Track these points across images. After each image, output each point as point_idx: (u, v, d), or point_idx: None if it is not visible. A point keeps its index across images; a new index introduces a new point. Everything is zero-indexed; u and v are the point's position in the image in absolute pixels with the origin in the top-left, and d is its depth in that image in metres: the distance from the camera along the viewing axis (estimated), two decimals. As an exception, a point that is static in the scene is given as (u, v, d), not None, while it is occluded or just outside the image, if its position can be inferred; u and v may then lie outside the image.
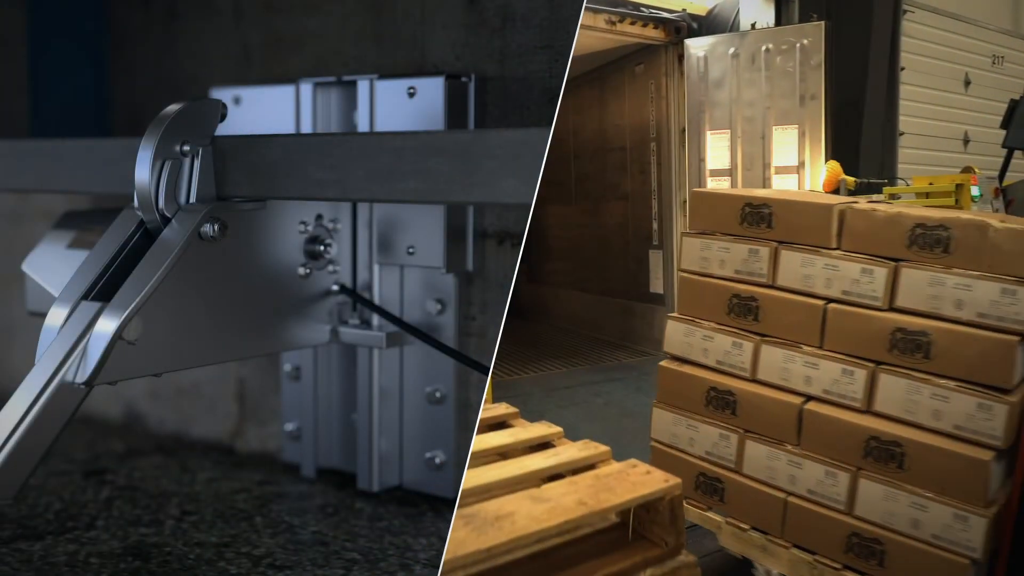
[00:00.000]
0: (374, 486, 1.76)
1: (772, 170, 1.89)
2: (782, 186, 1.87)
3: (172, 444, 2.11)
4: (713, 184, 1.96)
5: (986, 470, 1.37)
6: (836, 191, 1.80)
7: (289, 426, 1.89)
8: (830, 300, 1.58)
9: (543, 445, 1.49)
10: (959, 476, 1.40)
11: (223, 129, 1.48)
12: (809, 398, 1.59)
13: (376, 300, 1.71)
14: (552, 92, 1.64)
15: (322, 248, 1.62)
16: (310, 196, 1.41)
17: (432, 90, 1.66)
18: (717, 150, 1.95)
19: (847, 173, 1.79)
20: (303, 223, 1.60)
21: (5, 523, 1.65)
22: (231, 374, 2.06)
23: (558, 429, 1.53)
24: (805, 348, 1.60)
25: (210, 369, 2.06)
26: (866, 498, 1.50)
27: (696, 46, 1.98)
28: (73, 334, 1.34)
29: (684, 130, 2.03)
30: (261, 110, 1.86)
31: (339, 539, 1.60)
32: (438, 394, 1.72)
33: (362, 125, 1.73)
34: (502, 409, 1.60)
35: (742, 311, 1.69)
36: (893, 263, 1.51)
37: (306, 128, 1.79)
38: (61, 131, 2.15)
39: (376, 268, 1.72)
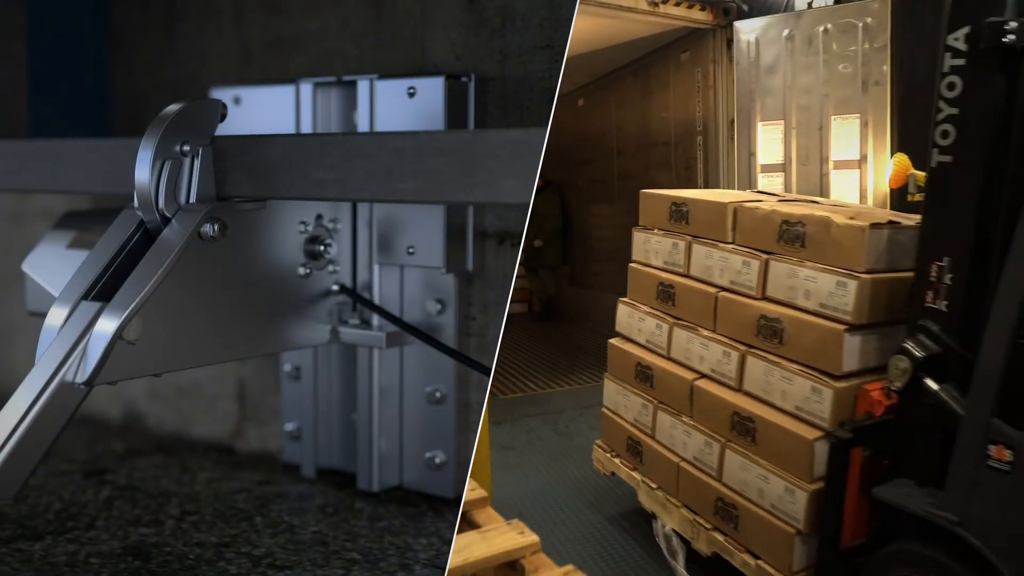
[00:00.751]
0: (374, 486, 1.76)
1: (831, 165, 1.70)
2: (841, 183, 1.70)
3: (172, 444, 2.11)
4: (765, 182, 1.79)
5: (811, 449, 1.47)
6: (905, 187, 1.61)
7: (289, 426, 1.89)
8: (722, 289, 1.72)
9: (509, 566, 1.33)
10: (792, 453, 1.51)
11: (223, 129, 1.48)
12: (701, 375, 1.74)
13: (376, 300, 1.71)
14: (552, 92, 1.64)
15: (322, 248, 1.62)
16: (310, 196, 1.41)
17: (432, 90, 1.66)
18: (769, 143, 1.79)
19: (917, 167, 1.59)
20: (303, 223, 1.60)
21: (5, 523, 1.66)
22: (231, 374, 2.06)
23: (533, 539, 1.38)
24: (702, 331, 1.76)
25: (210, 369, 2.06)
26: (729, 467, 1.63)
27: (747, 29, 1.81)
28: (73, 334, 1.34)
29: (733, 122, 1.85)
30: (261, 110, 1.86)
31: (339, 539, 1.60)
32: (438, 394, 1.72)
33: (362, 125, 1.73)
34: (475, 495, 1.46)
35: (664, 297, 1.87)
36: (765, 256, 1.63)
37: (306, 128, 1.79)
38: (61, 131, 2.15)
39: (376, 268, 1.72)
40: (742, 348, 1.65)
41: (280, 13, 1.97)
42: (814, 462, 1.47)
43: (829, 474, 1.43)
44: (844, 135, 1.70)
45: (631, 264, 1.97)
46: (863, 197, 1.67)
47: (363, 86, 1.72)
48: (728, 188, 1.92)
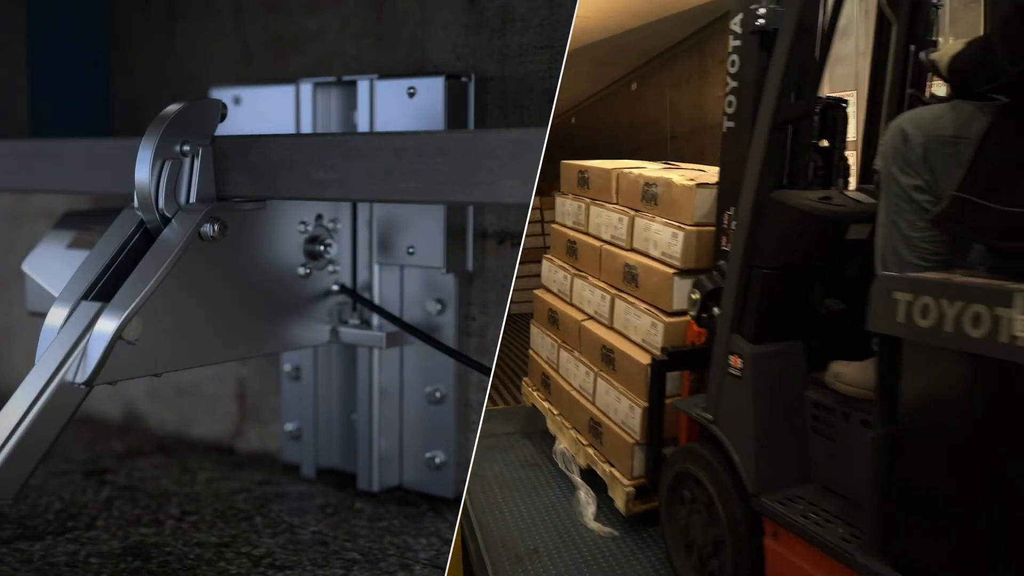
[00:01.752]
0: (374, 486, 1.76)
1: None
2: None
3: (172, 444, 2.11)
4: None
5: (645, 372, 1.78)
6: None
7: (289, 426, 1.89)
8: (605, 242, 2.02)
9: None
10: (634, 376, 1.82)
11: (223, 129, 1.48)
12: (588, 317, 2.05)
13: (376, 300, 1.71)
14: (552, 92, 1.64)
15: (322, 248, 1.62)
16: (310, 196, 1.41)
17: (432, 90, 1.66)
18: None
19: None
20: (303, 223, 1.60)
21: (5, 523, 1.66)
22: (231, 374, 2.06)
23: None
24: (591, 279, 2.07)
25: (210, 369, 2.06)
26: (599, 392, 1.95)
27: None
28: (73, 334, 1.34)
29: None
30: (261, 110, 1.86)
31: (339, 539, 1.60)
32: (438, 394, 1.72)
33: (362, 125, 1.73)
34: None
35: (570, 252, 2.18)
36: (632, 213, 1.92)
37: (306, 128, 1.79)
38: (61, 131, 2.15)
39: (376, 268, 1.72)
40: (613, 292, 1.96)
41: (280, 13, 1.97)
42: (647, 383, 1.75)
43: (650, 392, 1.73)
44: None
45: (552, 225, 2.26)
46: None
47: (363, 86, 1.72)
48: None
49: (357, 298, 1.68)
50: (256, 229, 1.52)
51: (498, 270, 1.72)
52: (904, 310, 1.15)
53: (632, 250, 1.91)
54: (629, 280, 1.91)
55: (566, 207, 2.20)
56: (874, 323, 1.19)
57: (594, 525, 1.73)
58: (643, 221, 1.88)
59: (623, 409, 1.83)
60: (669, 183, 1.80)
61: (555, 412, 2.12)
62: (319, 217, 1.62)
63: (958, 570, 1.12)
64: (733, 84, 1.54)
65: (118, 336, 1.32)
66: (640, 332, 1.84)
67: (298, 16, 1.95)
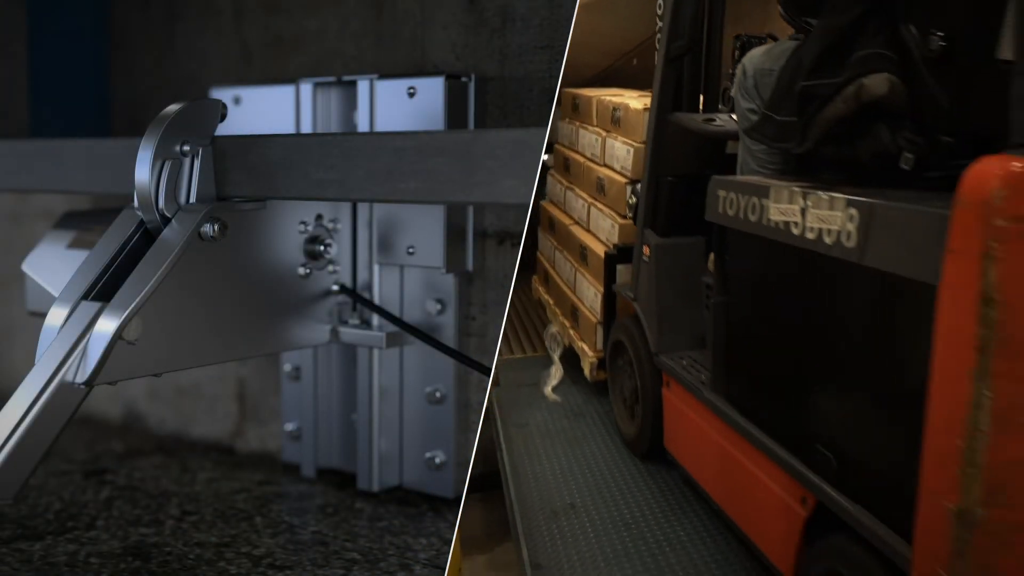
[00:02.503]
0: (374, 486, 1.76)
1: None
2: None
3: (172, 444, 2.11)
4: None
5: (602, 262, 2.11)
6: None
7: (289, 426, 1.89)
8: (587, 159, 2.33)
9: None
10: (597, 267, 2.15)
11: (223, 129, 1.48)
12: (575, 222, 2.36)
13: (376, 300, 1.71)
14: (552, 92, 1.64)
15: (322, 248, 1.62)
16: (310, 196, 1.41)
17: (432, 90, 1.66)
18: None
19: None
20: (303, 223, 1.60)
21: (5, 523, 1.66)
22: (231, 374, 2.06)
23: None
24: (577, 190, 2.37)
25: (210, 369, 2.06)
26: (578, 283, 2.28)
27: None
28: (73, 334, 1.34)
29: None
30: (261, 110, 1.86)
31: (339, 539, 1.60)
32: (438, 394, 1.72)
33: (362, 125, 1.73)
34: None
35: (565, 168, 2.48)
36: (604, 134, 2.21)
37: (306, 128, 1.79)
38: (61, 131, 2.15)
39: (376, 268, 1.72)
40: (590, 200, 2.27)
41: (280, 13, 1.98)
42: (603, 272, 2.11)
43: (604, 279, 2.10)
44: None
45: (556, 145, 2.53)
46: None
47: (363, 86, 1.72)
48: None
49: (357, 298, 1.68)
50: (256, 229, 1.52)
51: (498, 270, 1.71)
52: (721, 203, 1.45)
53: (604, 165, 2.22)
54: (599, 190, 2.23)
55: (563, 130, 2.49)
56: (708, 214, 1.51)
57: (550, 393, 2.13)
58: (610, 140, 2.18)
59: (590, 295, 2.20)
60: (627, 107, 2.09)
61: (551, 302, 2.47)
62: (319, 217, 1.62)
63: (763, 398, 1.40)
64: (659, 25, 1.87)
65: (118, 336, 1.32)
66: (604, 232, 2.19)
67: (298, 16, 1.95)
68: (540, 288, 2.62)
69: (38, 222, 2.34)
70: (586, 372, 2.15)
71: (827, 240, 1.14)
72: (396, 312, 1.72)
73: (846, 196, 1.08)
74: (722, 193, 1.44)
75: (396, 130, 1.68)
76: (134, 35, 2.21)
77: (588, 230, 2.28)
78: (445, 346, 1.65)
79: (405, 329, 1.67)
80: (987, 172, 0.85)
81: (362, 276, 1.71)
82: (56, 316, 1.37)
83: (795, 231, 1.21)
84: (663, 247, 1.83)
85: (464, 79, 1.68)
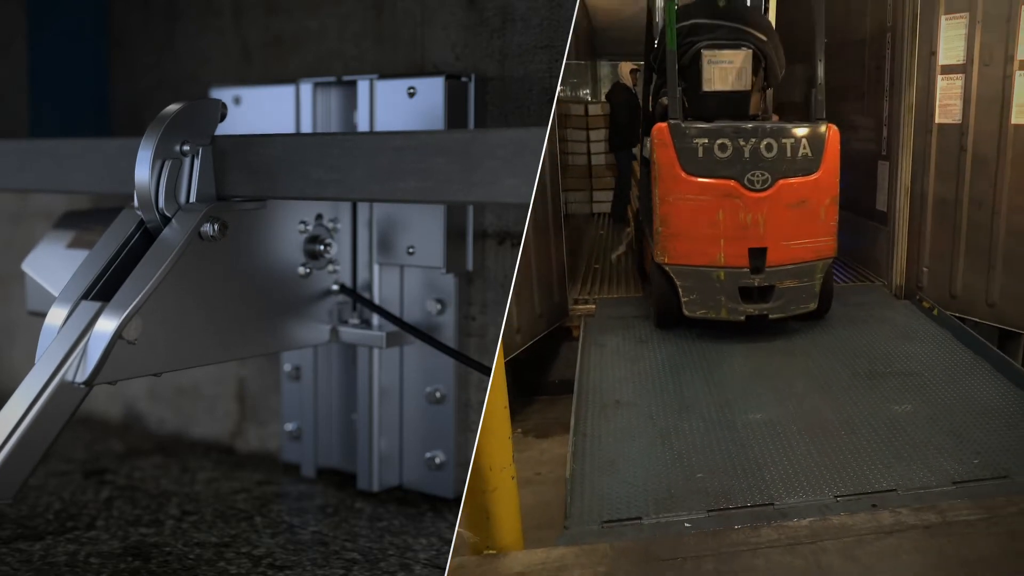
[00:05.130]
0: (374, 486, 1.76)
1: (1015, 65, 1.49)
2: None
3: (172, 444, 2.11)
4: (944, 85, 1.64)
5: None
6: None
7: (289, 426, 1.89)
8: None
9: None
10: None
11: (223, 129, 1.48)
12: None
13: (376, 300, 1.71)
14: (552, 92, 1.64)
15: (322, 248, 1.62)
16: (310, 196, 1.41)
17: (432, 90, 1.66)
18: (951, 40, 1.59)
19: None
20: (303, 223, 1.60)
21: (5, 523, 1.65)
22: (231, 374, 2.06)
23: None
24: None
25: (210, 369, 2.06)
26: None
27: None
28: (73, 334, 1.34)
29: (917, 15, 1.66)
30: (261, 110, 1.86)
31: (339, 539, 1.60)
32: (438, 394, 1.72)
33: (362, 125, 1.73)
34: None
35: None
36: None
37: (306, 128, 1.79)
38: (61, 131, 2.15)
39: (376, 268, 1.72)
40: None
41: (280, 13, 1.97)
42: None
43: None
44: None
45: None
46: None
47: (363, 86, 1.72)
48: (908, 95, 1.72)
49: (357, 298, 1.68)
50: (256, 229, 1.52)
51: (498, 270, 1.71)
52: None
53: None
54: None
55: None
56: None
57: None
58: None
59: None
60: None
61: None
62: (319, 217, 1.62)
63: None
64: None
65: (118, 336, 1.32)
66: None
67: (298, 16, 1.95)
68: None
69: (38, 222, 2.34)
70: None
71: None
72: (396, 312, 1.72)
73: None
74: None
75: (396, 130, 1.68)
76: (134, 35, 2.21)
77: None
78: (445, 346, 1.65)
79: (405, 329, 1.67)
80: (660, 126, 1.65)
81: (362, 276, 1.71)
82: (56, 316, 1.37)
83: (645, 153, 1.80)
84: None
85: (464, 79, 1.68)
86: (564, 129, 2.02)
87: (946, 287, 1.61)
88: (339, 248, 1.65)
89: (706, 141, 1.48)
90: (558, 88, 1.62)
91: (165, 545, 1.57)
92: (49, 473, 1.89)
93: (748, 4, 1.70)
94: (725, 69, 1.56)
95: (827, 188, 1.57)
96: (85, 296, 1.38)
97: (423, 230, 1.67)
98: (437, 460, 1.73)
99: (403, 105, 1.68)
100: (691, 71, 1.55)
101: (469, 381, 1.73)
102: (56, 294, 1.39)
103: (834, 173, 1.56)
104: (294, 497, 1.78)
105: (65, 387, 1.32)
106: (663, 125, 1.52)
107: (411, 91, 1.67)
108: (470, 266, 1.71)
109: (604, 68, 2.17)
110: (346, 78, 1.77)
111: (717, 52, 1.55)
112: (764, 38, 1.56)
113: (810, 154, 1.51)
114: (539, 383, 1.67)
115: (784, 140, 1.49)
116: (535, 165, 1.19)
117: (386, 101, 1.70)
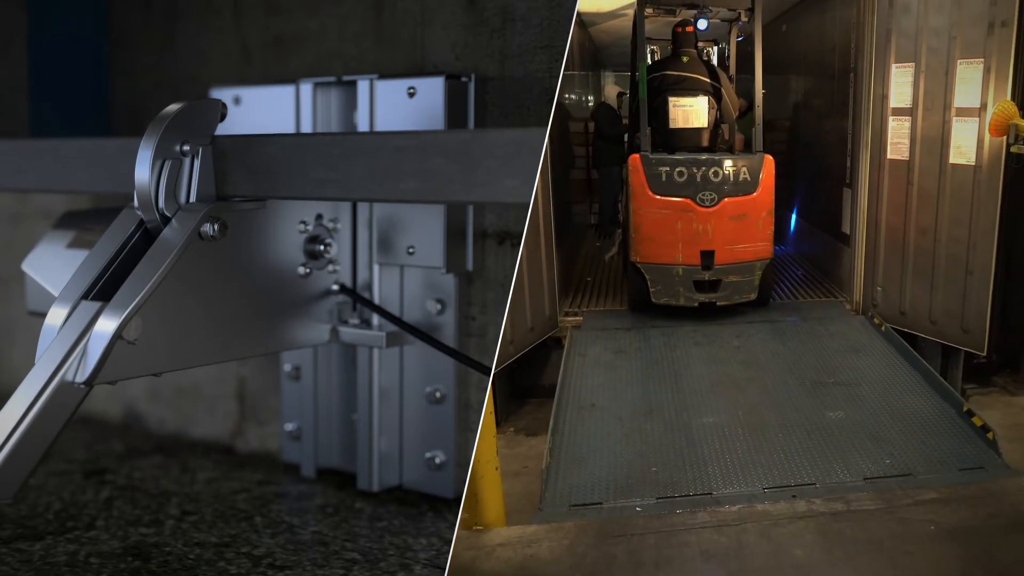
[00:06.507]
0: (374, 486, 1.76)
1: (952, 112, 1.65)
2: (962, 132, 1.67)
3: (172, 444, 2.11)
4: (895, 125, 1.82)
5: None
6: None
7: (289, 426, 1.89)
8: None
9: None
10: None
11: (223, 129, 1.48)
12: None
13: (376, 300, 1.71)
14: (552, 92, 1.64)
15: (322, 248, 1.62)
16: (310, 196, 1.41)
17: (432, 90, 1.66)
18: (900, 85, 1.78)
19: None
20: (303, 223, 1.60)
21: (5, 523, 1.65)
22: (231, 374, 2.06)
23: None
24: None
25: (210, 369, 2.06)
26: None
27: None
28: (73, 334, 1.34)
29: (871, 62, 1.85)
30: (261, 110, 1.86)
31: (339, 539, 1.60)
32: (438, 394, 1.72)
33: (362, 125, 1.73)
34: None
35: None
36: None
37: (306, 128, 1.79)
38: (61, 131, 2.15)
39: (376, 268, 1.72)
40: None
41: (280, 13, 1.97)
42: None
43: None
44: (968, 80, 1.65)
45: None
46: (980, 147, 1.63)
47: (363, 86, 1.72)
48: (866, 131, 1.92)
49: (357, 298, 1.68)
50: (256, 229, 1.52)
51: (498, 270, 1.71)
52: None
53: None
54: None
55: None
56: None
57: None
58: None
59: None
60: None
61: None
62: (319, 217, 1.62)
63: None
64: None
65: (118, 336, 1.32)
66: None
67: (298, 16, 1.95)
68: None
69: (38, 222, 2.34)
70: None
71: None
72: (396, 312, 1.72)
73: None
74: None
75: (396, 130, 1.68)
76: (134, 35, 2.21)
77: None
78: (445, 346, 1.65)
79: (405, 329, 1.67)
80: (634, 156, 1.87)
81: (362, 276, 1.71)
82: (56, 316, 1.37)
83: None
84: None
85: (464, 79, 1.68)
86: (566, 143, 2.20)
87: (897, 305, 1.78)
88: (339, 248, 1.65)
89: (668, 168, 1.86)
90: (558, 89, 1.62)
91: (165, 545, 1.57)
92: (49, 473, 1.89)
93: (708, 59, 2.04)
94: (687, 111, 1.94)
95: (763, 204, 1.90)
96: (85, 296, 1.38)
97: (423, 230, 1.67)
98: (437, 460, 1.73)
99: (403, 105, 1.68)
100: (660, 112, 1.93)
101: (469, 381, 1.73)
102: (56, 294, 1.39)
103: (769, 192, 1.89)
104: (294, 497, 1.78)
105: (65, 387, 1.32)
106: (636, 156, 1.87)
107: (411, 91, 1.67)
108: (470, 266, 1.71)
109: (608, 78, 2.31)
110: (346, 78, 1.77)
111: (680, 98, 1.94)
112: (719, 86, 1.95)
113: (749, 178, 1.88)
114: (531, 387, 1.86)
115: (728, 168, 1.87)
116: (535, 165, 1.19)
117: (386, 101, 1.70)
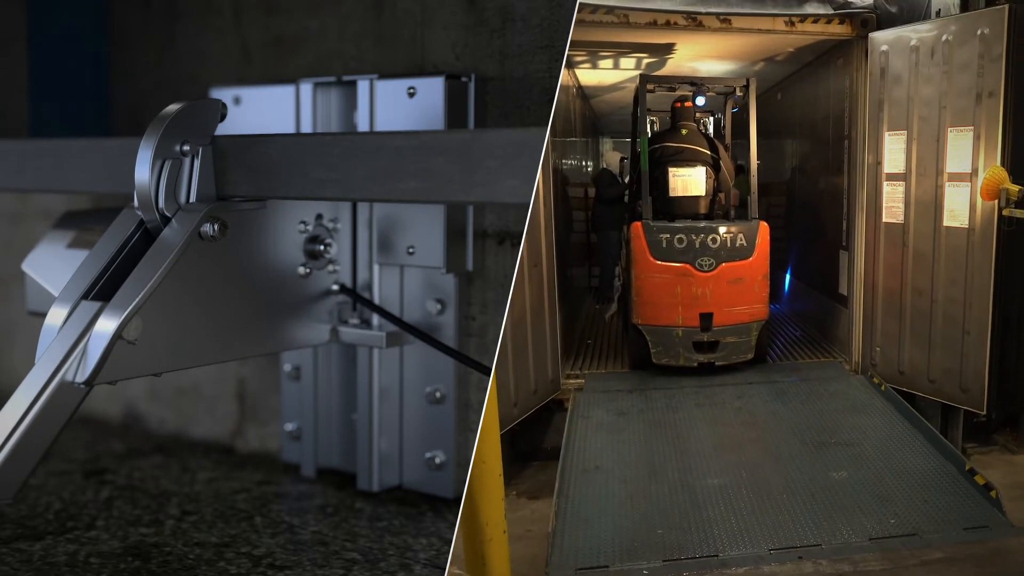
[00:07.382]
0: (374, 486, 1.76)
1: (945, 177, 1.75)
2: (955, 196, 1.78)
3: (172, 444, 2.11)
4: (889, 189, 1.91)
5: None
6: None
7: (289, 426, 1.89)
8: None
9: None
10: None
11: (223, 129, 1.48)
12: None
13: (376, 300, 1.71)
14: (552, 92, 1.64)
15: (322, 248, 1.62)
16: (310, 196, 1.41)
17: (432, 90, 1.66)
18: (894, 152, 1.87)
19: (1018, 181, 1.64)
20: (303, 223, 1.60)
21: (5, 523, 1.66)
22: (231, 374, 2.06)
23: None
24: None
25: (210, 369, 2.06)
26: None
27: (880, 40, 1.89)
28: (73, 334, 1.34)
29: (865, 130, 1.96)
30: (261, 110, 1.86)
31: (339, 539, 1.60)
32: (438, 394, 1.72)
33: (362, 125, 1.73)
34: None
35: None
36: None
37: (306, 128, 1.79)
38: (61, 131, 2.15)
39: (376, 268, 1.72)
40: None
41: (280, 13, 1.98)
42: None
43: None
44: (959, 147, 1.74)
45: None
46: (973, 211, 1.74)
47: (363, 86, 1.72)
48: (861, 195, 2.03)
49: (357, 298, 1.68)
50: (256, 229, 1.52)
51: (498, 270, 1.71)
52: None
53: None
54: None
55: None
56: None
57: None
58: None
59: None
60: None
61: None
62: (319, 217, 1.62)
63: None
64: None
65: (118, 336, 1.32)
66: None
67: (298, 16, 1.95)
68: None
69: (38, 222, 2.34)
70: None
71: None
72: (396, 312, 1.72)
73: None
74: None
75: (396, 130, 1.68)
76: (134, 35, 2.21)
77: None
78: (445, 346, 1.65)
79: (405, 329, 1.67)
80: (636, 224, 1.94)
81: (362, 276, 1.71)
82: (56, 316, 1.37)
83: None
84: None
85: (464, 79, 1.68)
86: (567, 208, 2.26)
87: (895, 365, 1.82)
88: (339, 248, 1.65)
89: (668, 235, 1.94)
90: (558, 88, 1.62)
91: (165, 545, 1.57)
92: (49, 473, 1.89)
93: (704, 130, 2.13)
94: (685, 180, 2.03)
95: (759, 268, 1.98)
96: (85, 296, 1.38)
97: (423, 230, 1.67)
98: (437, 460, 1.73)
99: (403, 105, 1.68)
100: (660, 181, 2.01)
101: (469, 381, 1.73)
102: (56, 294, 1.39)
103: (764, 257, 1.97)
104: (294, 497, 1.78)
105: (65, 387, 1.32)
106: (638, 223, 1.95)
107: (411, 91, 1.67)
108: (470, 266, 1.71)
109: (606, 144, 2.40)
110: (346, 78, 1.77)
111: (679, 168, 2.02)
112: (716, 157, 2.04)
113: (745, 244, 1.96)
114: (533, 450, 1.89)
115: (725, 234, 1.96)
116: (535, 165, 1.19)
117: (386, 101, 1.70)
